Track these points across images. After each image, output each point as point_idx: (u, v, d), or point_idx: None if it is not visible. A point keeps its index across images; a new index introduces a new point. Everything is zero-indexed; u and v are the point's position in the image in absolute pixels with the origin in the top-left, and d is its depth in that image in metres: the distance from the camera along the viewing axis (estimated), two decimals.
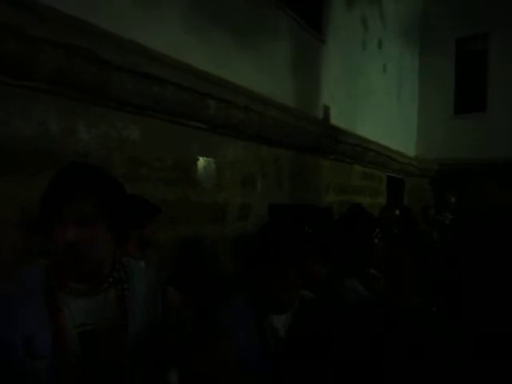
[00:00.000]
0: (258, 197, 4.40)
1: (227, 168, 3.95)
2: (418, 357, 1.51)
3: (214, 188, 3.78)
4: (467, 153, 8.65)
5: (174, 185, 3.34)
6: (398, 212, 4.36)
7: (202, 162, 3.64)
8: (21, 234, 2.22)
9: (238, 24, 4.06)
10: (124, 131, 2.94)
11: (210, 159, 3.73)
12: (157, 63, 3.00)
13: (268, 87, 4.44)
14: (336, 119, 5.94)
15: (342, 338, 1.54)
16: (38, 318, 1.15)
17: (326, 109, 5.78)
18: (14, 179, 2.24)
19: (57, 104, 2.49)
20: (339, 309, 1.72)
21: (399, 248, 3.11)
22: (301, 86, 5.21)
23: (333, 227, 2.75)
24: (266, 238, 1.66)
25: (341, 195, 6.24)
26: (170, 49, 3.14)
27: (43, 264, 1.24)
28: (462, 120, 9.11)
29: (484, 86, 9.01)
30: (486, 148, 8.46)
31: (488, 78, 8.97)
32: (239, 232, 3.99)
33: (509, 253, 3.59)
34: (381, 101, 7.62)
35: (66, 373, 1.14)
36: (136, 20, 2.94)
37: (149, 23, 3.04)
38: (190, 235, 3.46)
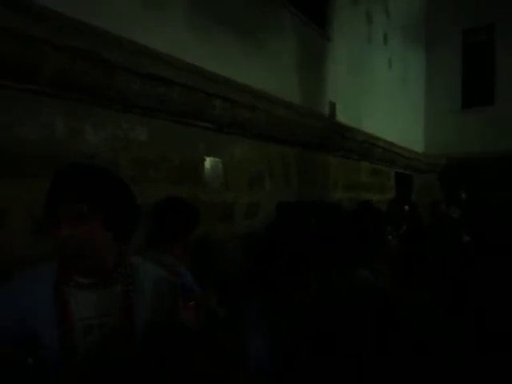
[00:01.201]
0: (265, 195, 4.40)
1: (234, 167, 3.95)
2: (422, 353, 1.50)
3: (221, 187, 3.78)
4: (476, 146, 8.56)
5: (182, 185, 3.34)
6: (407, 207, 4.34)
7: (209, 161, 3.64)
8: (26, 235, 2.24)
9: (242, 23, 4.06)
10: (130, 132, 2.95)
11: (217, 159, 3.74)
12: (161, 63, 3.00)
13: (274, 85, 4.43)
14: (342, 116, 5.92)
15: (346, 335, 1.54)
16: (45, 313, 1.17)
17: (332, 105, 5.76)
18: (16, 182, 2.26)
19: (61, 106, 2.50)
20: (344, 305, 1.71)
21: (407, 244, 3.10)
22: (306, 83, 5.20)
23: (340, 223, 2.74)
24: (273, 237, 1.67)
25: (349, 192, 6.22)
26: (174, 49, 3.14)
27: (51, 263, 1.26)
28: (470, 113, 9.02)
29: (491, 78, 8.92)
30: (495, 141, 8.37)
31: (495, 70, 8.87)
32: (248, 230, 3.99)
33: None
34: (387, 96, 7.57)
35: (71, 366, 1.15)
36: (138, 20, 2.95)
37: (151, 23, 3.04)
38: (199, 234, 3.46)
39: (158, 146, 3.15)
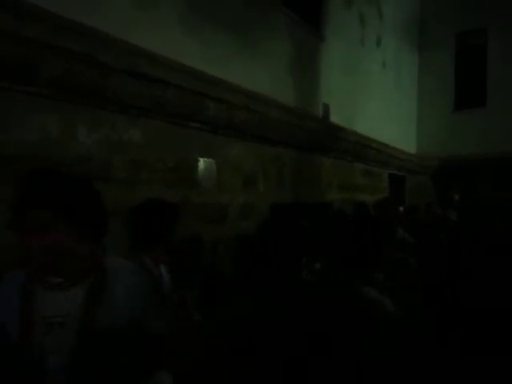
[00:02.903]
0: (259, 196, 4.39)
1: (229, 168, 3.95)
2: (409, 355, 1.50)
3: (215, 188, 3.77)
4: (468, 148, 8.62)
5: (176, 186, 3.33)
6: (401, 209, 4.34)
7: (203, 163, 3.64)
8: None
9: (237, 24, 4.06)
10: (125, 134, 2.93)
11: (212, 160, 3.73)
12: (157, 65, 2.99)
13: (268, 86, 4.43)
14: (336, 117, 5.93)
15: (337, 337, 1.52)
16: (12, 309, 1.23)
17: (326, 107, 5.77)
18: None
19: (57, 108, 2.49)
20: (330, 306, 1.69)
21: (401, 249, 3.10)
22: (300, 84, 5.21)
23: (334, 225, 2.73)
24: (267, 238, 1.66)
25: (342, 193, 6.24)
26: (170, 50, 3.14)
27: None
28: (463, 115, 9.08)
29: (483, 80, 8.98)
30: (487, 142, 8.43)
31: (487, 73, 8.94)
32: (242, 231, 3.98)
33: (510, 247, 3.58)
34: (380, 98, 7.61)
35: (29, 360, 1.20)
36: (134, 22, 2.94)
37: (147, 25, 3.04)
38: (193, 236, 3.45)
39: (153, 148, 3.14)
